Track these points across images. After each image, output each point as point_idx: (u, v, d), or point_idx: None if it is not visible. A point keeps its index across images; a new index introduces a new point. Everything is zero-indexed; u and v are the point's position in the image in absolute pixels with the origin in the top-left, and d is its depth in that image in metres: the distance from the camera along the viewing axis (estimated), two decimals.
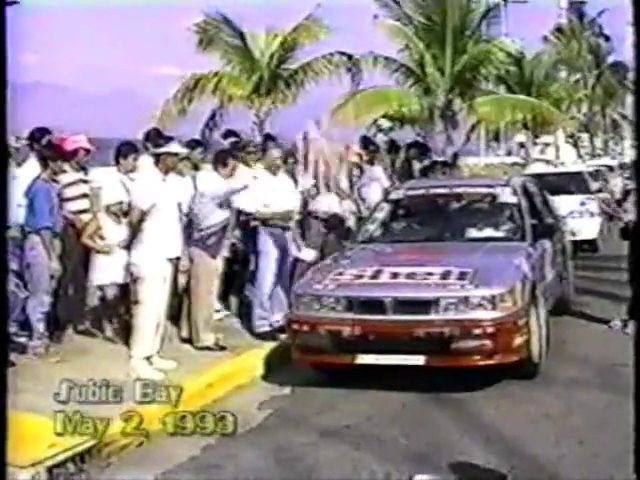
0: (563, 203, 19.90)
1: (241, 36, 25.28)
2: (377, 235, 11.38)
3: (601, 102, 54.48)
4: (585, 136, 55.64)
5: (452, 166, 19.90)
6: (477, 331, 8.57)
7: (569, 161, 39.59)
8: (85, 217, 10.07)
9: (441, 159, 19.88)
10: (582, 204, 21.28)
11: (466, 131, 32.82)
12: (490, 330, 8.55)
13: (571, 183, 22.58)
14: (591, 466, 6.61)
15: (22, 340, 9.43)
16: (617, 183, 30.07)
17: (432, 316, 8.70)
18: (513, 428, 7.66)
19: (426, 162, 18.42)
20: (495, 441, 7.32)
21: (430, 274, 9.10)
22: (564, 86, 46.38)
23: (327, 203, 13.20)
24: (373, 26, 26.95)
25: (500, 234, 10.76)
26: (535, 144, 46.33)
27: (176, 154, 9.67)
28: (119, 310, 10.28)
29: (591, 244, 20.75)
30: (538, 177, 22.72)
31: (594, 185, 23.48)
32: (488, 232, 10.80)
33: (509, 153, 56.99)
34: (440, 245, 10.64)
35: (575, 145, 52.98)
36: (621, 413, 5.66)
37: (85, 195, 10.18)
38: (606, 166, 33.89)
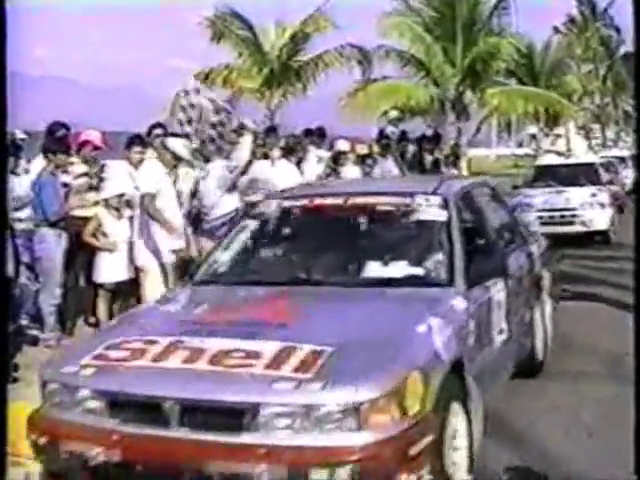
0: (574, 195, 20.86)
1: (251, 29, 25.36)
2: (223, 271, 7.46)
3: (612, 93, 54.42)
4: (597, 127, 55.56)
5: (453, 157, 19.88)
6: (322, 473, 4.80)
7: (580, 152, 39.47)
8: (90, 210, 10.11)
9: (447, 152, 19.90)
10: (593, 195, 21.02)
11: (477, 122, 32.88)
12: (349, 470, 4.79)
13: (582, 174, 22.28)
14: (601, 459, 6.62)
15: (34, 332, 9.49)
16: (628, 175, 30.03)
17: (243, 438, 4.91)
18: (522, 421, 7.66)
19: (437, 154, 18.49)
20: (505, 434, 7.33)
21: (254, 355, 5.25)
22: (577, 77, 46.40)
23: None
24: (379, 21, 27.06)
25: (417, 272, 6.80)
26: (547, 135, 46.30)
27: (172, 152, 9.64)
28: (127, 305, 10.27)
29: (603, 235, 20.51)
30: (548, 168, 23.87)
31: (605, 176, 23.47)
32: (396, 269, 6.84)
33: (520, 145, 56.98)
34: (308, 293, 6.71)
35: (586, 136, 52.89)
36: (629, 405, 5.63)
37: (92, 188, 10.23)
38: (617, 157, 33.83)
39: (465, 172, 24.39)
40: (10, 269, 8.85)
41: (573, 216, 20.53)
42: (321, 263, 7.21)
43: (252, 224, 7.88)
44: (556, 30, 48.83)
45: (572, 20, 51.38)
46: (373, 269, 6.91)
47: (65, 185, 9.86)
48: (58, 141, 9.93)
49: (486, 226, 7.94)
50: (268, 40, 25.58)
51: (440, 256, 6.86)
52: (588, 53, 50.72)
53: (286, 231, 8.04)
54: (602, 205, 20.82)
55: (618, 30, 53.12)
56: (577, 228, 20.45)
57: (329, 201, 7.87)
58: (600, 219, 20.54)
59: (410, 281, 6.65)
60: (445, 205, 7.24)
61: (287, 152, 12.23)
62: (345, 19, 25.49)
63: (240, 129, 13.36)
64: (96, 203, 10.08)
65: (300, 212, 7.94)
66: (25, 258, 9.57)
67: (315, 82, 26.05)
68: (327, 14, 25.13)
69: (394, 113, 26.71)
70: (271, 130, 13.69)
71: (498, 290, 7.17)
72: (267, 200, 8.33)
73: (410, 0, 27.94)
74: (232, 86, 25.21)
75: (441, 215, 7.15)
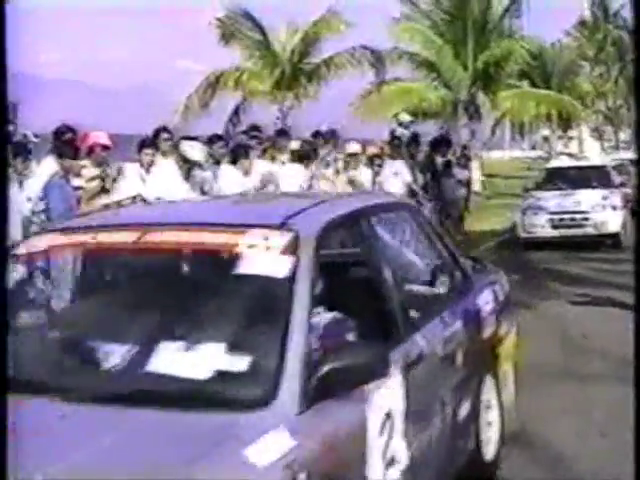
0: (585, 197, 20.76)
1: (262, 31, 25.40)
2: None
3: (625, 95, 54.31)
4: (609, 129, 55.48)
5: (463, 159, 19.81)
6: None
7: (593, 155, 39.37)
8: None
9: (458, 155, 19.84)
10: (604, 198, 20.81)
11: (491, 125, 32.92)
12: None
13: (594, 177, 22.07)
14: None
15: None
16: None
17: None
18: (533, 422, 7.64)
19: (450, 156, 18.49)
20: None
21: None
22: (590, 79, 46.39)
23: None
24: (390, 26, 27.15)
25: (222, 374, 3.83)
26: (559, 138, 46.29)
27: (184, 156, 9.61)
28: None
29: (614, 238, 20.19)
30: (559, 170, 23.58)
31: (618, 179, 23.37)
32: (191, 367, 3.90)
33: (533, 147, 56.89)
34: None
35: (599, 138, 52.82)
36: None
37: (105, 190, 10.23)
38: (630, 160, 33.64)
39: (478, 174, 24.39)
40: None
41: (584, 219, 20.41)
42: (76, 352, 4.40)
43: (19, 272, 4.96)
44: (568, 33, 48.90)
45: (583, 22, 51.35)
46: (155, 365, 3.99)
47: (78, 189, 9.88)
48: (66, 145, 9.94)
49: (382, 280, 4.91)
50: (279, 42, 25.61)
51: (264, 347, 3.94)
52: (600, 55, 50.64)
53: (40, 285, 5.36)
54: (613, 208, 20.60)
55: (630, 31, 53.07)
56: (588, 231, 20.31)
57: (116, 237, 4.79)
58: (611, 222, 20.33)
59: (202, 396, 3.68)
60: (293, 248, 4.20)
61: (301, 158, 12.14)
62: (356, 21, 25.47)
63: (250, 130, 13.38)
64: (107, 206, 10.09)
65: (73, 254, 5.40)
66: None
67: (327, 84, 26.06)
68: (340, 14, 25.14)
69: (404, 116, 26.75)
70: (282, 133, 13.65)
71: (389, 391, 4.32)
72: (38, 235, 5.74)
73: (421, 4, 27.99)
74: (243, 88, 25.26)
75: (279, 267, 4.11)
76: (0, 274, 3.82)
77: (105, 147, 10.46)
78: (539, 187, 22.53)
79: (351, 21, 25.19)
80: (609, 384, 8.60)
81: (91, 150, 10.35)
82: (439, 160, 18.16)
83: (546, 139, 51.94)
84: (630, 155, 38.60)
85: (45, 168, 9.65)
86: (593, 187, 21.43)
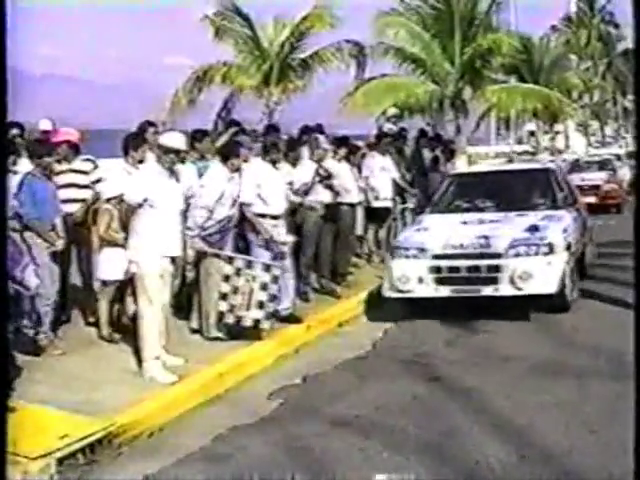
0: (501, 228, 12.25)
1: (250, 26, 25.39)
2: None
3: (612, 90, 54.49)
4: (596, 124, 55.66)
5: (448, 153, 19.74)
6: None
7: (579, 149, 39.35)
8: (73, 207, 10.03)
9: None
10: (533, 230, 12.08)
11: (476, 119, 32.94)
12: None
13: (529, 189, 14.11)
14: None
15: (30, 332, 9.35)
16: (626, 173, 29.18)
17: None
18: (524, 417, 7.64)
19: (437, 152, 18.46)
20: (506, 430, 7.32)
21: None
22: (577, 74, 46.53)
23: (321, 194, 12.88)
24: (375, 20, 27.16)
25: None
26: (546, 132, 46.36)
27: (168, 147, 9.37)
28: (123, 304, 10.16)
29: (550, 299, 11.62)
30: (472, 178, 15.39)
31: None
32: None
33: (519, 141, 56.96)
34: None
35: (585, 133, 52.94)
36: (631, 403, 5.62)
37: (73, 185, 10.14)
38: (614, 155, 33.41)
39: (464, 169, 24.39)
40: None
41: (494, 268, 11.59)
42: None
43: None
44: (554, 28, 49.04)
45: (569, 17, 51.56)
46: None
47: (70, 185, 9.86)
48: (39, 143, 9.85)
49: None
50: (267, 37, 25.60)
51: None
52: (587, 49, 50.80)
53: None
54: (549, 247, 11.77)
55: (617, 26, 53.24)
56: (503, 289, 11.52)
57: None
58: (541, 273, 11.51)
59: None
60: None
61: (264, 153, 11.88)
62: (345, 16, 25.48)
63: (228, 125, 13.31)
64: (74, 200, 10.01)
65: None
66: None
67: (314, 79, 26.05)
68: (328, 8, 25.13)
69: (393, 110, 26.78)
70: (273, 129, 13.55)
71: None
72: None
73: None
74: (231, 83, 25.25)
75: None
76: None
77: (72, 145, 10.37)
78: (435, 208, 14.02)
79: (340, 16, 25.19)
80: (601, 380, 8.59)
81: (58, 145, 10.24)
82: (427, 155, 18.18)
83: (532, 134, 51.90)
84: (614, 150, 38.47)
85: (21, 167, 9.51)
86: (527, 207, 13.25)
